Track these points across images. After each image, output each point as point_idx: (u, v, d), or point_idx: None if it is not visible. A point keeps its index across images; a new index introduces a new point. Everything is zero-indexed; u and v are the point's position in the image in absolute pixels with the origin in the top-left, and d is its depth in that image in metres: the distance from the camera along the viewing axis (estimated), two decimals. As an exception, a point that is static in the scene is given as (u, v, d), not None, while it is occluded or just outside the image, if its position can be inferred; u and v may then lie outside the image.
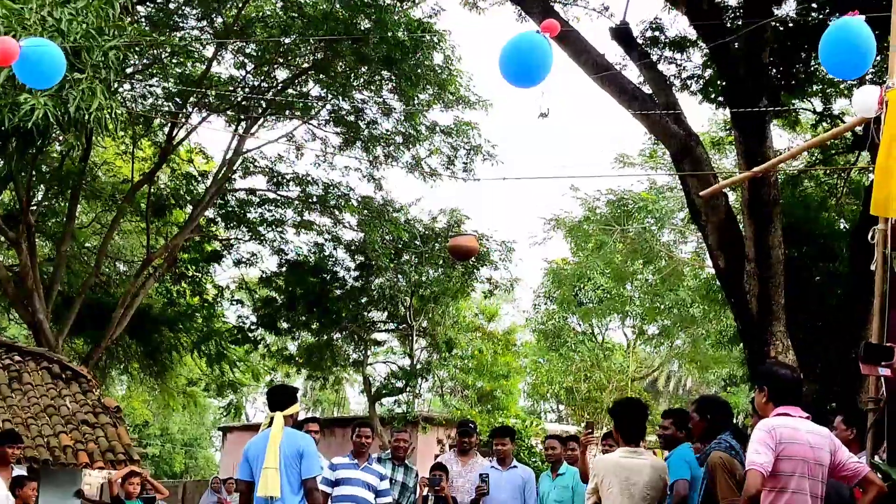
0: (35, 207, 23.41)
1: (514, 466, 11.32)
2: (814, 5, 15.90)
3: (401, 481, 11.58)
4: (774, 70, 15.57)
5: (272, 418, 8.94)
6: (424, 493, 11.22)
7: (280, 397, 9.07)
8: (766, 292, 13.99)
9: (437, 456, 19.62)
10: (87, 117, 12.87)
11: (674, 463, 8.24)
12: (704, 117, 48.51)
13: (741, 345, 17.52)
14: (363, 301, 27.15)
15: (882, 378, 7.06)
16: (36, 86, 10.81)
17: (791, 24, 15.83)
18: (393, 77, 22.44)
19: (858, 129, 15.72)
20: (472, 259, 24.04)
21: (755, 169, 10.13)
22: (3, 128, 12.86)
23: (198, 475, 53.38)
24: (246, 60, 23.18)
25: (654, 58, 16.35)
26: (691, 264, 29.16)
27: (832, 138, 14.31)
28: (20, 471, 11.53)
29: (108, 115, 13.11)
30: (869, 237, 7.44)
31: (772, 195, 14.19)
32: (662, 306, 30.31)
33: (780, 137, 22.03)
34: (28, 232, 21.50)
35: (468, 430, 11.80)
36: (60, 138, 21.38)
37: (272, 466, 8.56)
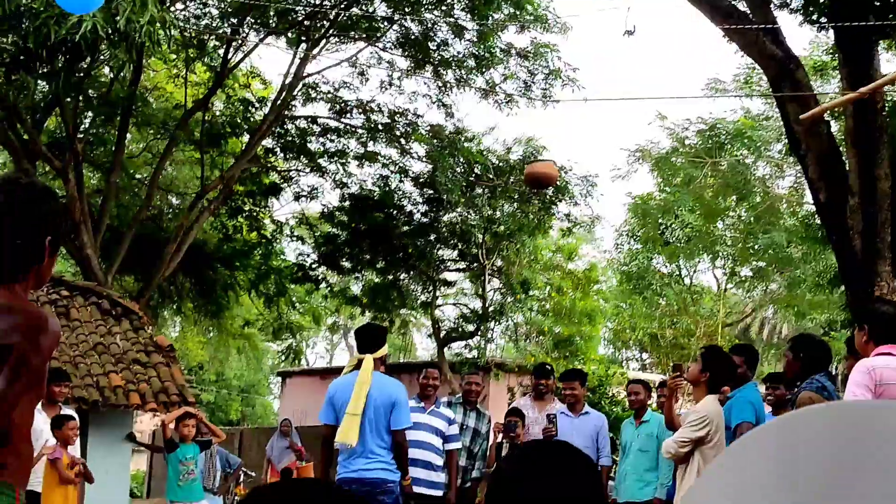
0: (82, 135, 23.60)
1: (586, 413, 11.33)
2: None
3: (472, 427, 11.62)
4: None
5: (359, 360, 8.97)
6: (498, 439, 11.26)
7: (370, 337, 9.02)
8: (870, 229, 13.81)
9: (510, 403, 19.70)
10: (137, 32, 12.93)
11: (738, 404, 8.28)
12: (806, 40, 47.71)
13: (842, 287, 17.34)
14: (432, 238, 27.11)
15: None
16: (73, 10, 10.85)
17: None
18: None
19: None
20: (551, 191, 23.95)
21: (862, 89, 10.01)
22: (49, 42, 12.96)
23: (255, 423, 54.04)
24: (308, -23, 23.06)
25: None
26: (788, 200, 28.84)
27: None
28: (69, 411, 11.70)
29: (160, 31, 13.19)
30: None
31: (878, 122, 13.98)
32: (757, 246, 29.97)
33: (887, 63, 21.66)
34: (75, 161, 21.68)
35: (545, 371, 11.80)
36: (109, 62, 21.55)
37: (355, 413, 8.55)
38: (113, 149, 23.61)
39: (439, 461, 10.66)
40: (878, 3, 14.48)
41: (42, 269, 3.87)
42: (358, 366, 8.89)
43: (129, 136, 24.46)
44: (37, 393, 3.80)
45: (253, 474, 20.23)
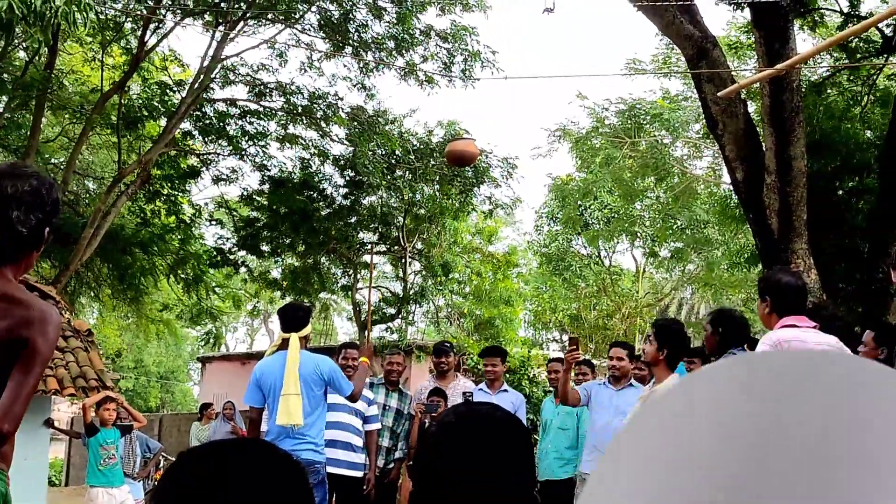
0: (-3, 119, 23.31)
1: (505, 390, 11.38)
2: None
3: (395, 407, 11.68)
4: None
5: (284, 340, 8.94)
6: (421, 419, 11.31)
7: (294, 316, 9.02)
8: (786, 207, 14.03)
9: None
10: (53, 12, 12.73)
11: None
12: (723, 20, 48.26)
13: (759, 265, 17.60)
14: (353, 221, 27.09)
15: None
16: None
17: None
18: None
19: (888, 30, 15.75)
20: (470, 172, 24.03)
21: (778, 66, 10.16)
22: (-38, 24, 12.77)
23: (174, 409, 53.74)
24: (224, -42, 22.89)
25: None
26: (706, 181, 29.15)
27: (861, 32, 14.28)
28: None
29: (76, 10, 13.01)
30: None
31: (794, 102, 14.18)
32: (675, 226, 30.32)
33: (803, 42, 21.99)
34: (-11, 146, 21.39)
35: (444, 349, 11.88)
36: (24, 44, 21.26)
37: (293, 392, 8.57)
38: (28, 133, 23.28)
39: (359, 442, 10.73)
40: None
41: (32, 258, 3.91)
42: (283, 346, 8.89)
43: (44, 120, 24.09)
44: None
45: (173, 459, 19.91)
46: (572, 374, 9.90)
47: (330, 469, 9.76)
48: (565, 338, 40.67)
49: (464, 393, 10.78)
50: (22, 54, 23.28)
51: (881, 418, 0.88)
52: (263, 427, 9.19)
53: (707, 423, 0.88)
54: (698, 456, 0.86)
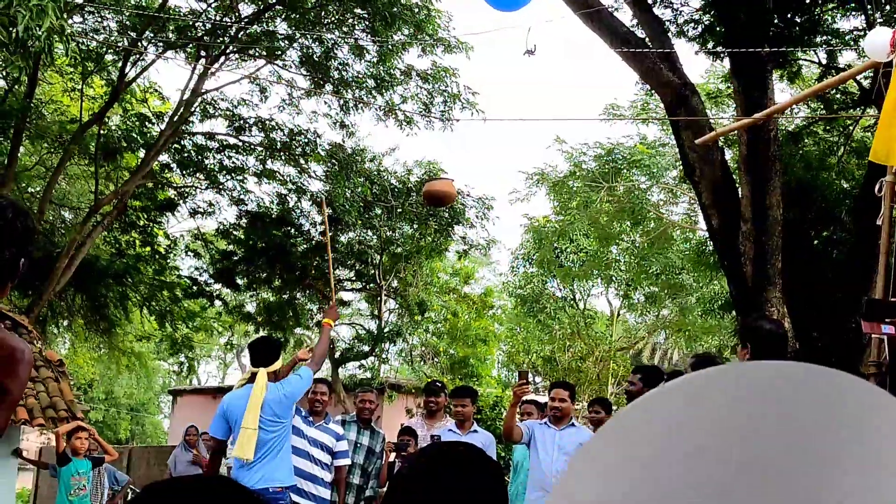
0: (-27, 148, 23.20)
1: (475, 431, 11.26)
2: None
3: (366, 445, 11.58)
4: (777, 17, 15.59)
5: (253, 374, 8.91)
6: (391, 458, 11.22)
7: (264, 350, 9.01)
8: (762, 255, 14.07)
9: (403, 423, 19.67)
10: (35, 40, 12.62)
11: None
12: (702, 68, 48.62)
13: (733, 312, 17.63)
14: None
15: (885, 339, 7.07)
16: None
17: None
18: (366, 15, 22.32)
19: (865, 82, 15.86)
20: (447, 211, 24.01)
21: (756, 115, 10.20)
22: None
23: (144, 442, 53.38)
24: (208, -8, 22.90)
25: (650, -1, 16.34)
26: (681, 227, 29.22)
27: (839, 84, 14.39)
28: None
29: (58, 42, 12.92)
30: (876, 190, 7.48)
31: (771, 150, 14.25)
32: (650, 270, 30.35)
33: (781, 92, 22.14)
34: (-34, 174, 21.27)
35: (435, 389, 11.78)
36: (3, 72, 21.20)
37: (250, 427, 8.54)
38: (5, 161, 23.17)
39: (326, 476, 10.63)
40: (772, 34, 14.79)
41: (6, 288, 3.77)
42: (251, 379, 8.85)
43: (22, 148, 23.98)
44: None
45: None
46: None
47: (295, 498, 9.69)
48: (539, 379, 40.65)
49: (432, 436, 10.69)
50: (1, 83, 23.21)
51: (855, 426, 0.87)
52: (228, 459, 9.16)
53: (679, 426, 0.88)
54: (673, 454, 0.86)
